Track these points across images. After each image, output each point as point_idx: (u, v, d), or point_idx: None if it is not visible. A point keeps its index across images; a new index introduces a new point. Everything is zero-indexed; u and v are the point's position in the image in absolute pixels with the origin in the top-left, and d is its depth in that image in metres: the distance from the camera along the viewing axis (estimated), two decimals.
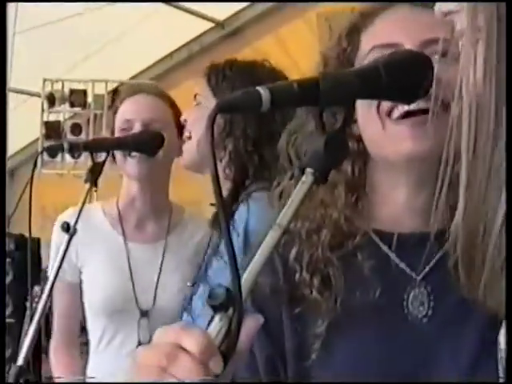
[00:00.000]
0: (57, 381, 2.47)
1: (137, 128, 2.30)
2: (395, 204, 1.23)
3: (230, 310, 0.85)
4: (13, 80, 6.83)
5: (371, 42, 1.22)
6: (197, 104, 2.11)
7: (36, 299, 4.99)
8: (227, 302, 0.85)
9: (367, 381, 1.17)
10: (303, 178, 0.95)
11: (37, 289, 4.37)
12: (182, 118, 2.13)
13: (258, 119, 1.98)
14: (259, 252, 0.90)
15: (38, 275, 5.68)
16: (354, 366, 1.19)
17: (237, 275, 0.85)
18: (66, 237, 1.96)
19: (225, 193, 1.97)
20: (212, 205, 1.99)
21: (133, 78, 7.43)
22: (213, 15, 6.51)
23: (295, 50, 5.88)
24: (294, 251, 1.23)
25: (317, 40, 5.64)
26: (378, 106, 1.17)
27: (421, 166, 1.18)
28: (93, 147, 2.14)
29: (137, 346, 2.24)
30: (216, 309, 0.86)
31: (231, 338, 0.86)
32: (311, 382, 1.21)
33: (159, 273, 2.34)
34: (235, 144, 2.02)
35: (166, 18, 6.46)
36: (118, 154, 2.33)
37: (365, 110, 1.19)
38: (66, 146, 2.09)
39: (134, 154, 2.29)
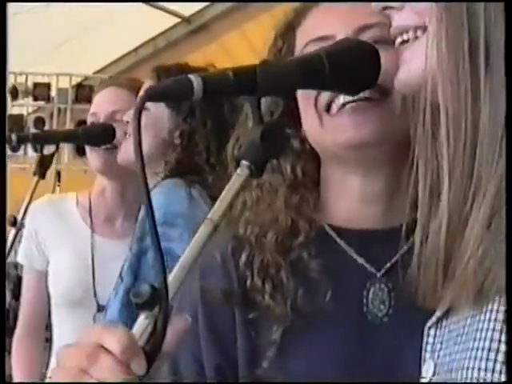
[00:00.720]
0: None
1: (101, 121, 2.27)
2: (350, 198, 1.19)
3: (156, 309, 0.81)
4: None
5: (305, 38, 1.19)
6: (144, 108, 2.07)
7: None
8: (152, 300, 0.80)
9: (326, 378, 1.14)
10: (238, 171, 0.90)
11: None
12: (125, 118, 2.08)
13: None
14: (189, 247, 0.86)
15: None
16: (312, 370, 1.15)
17: (163, 272, 0.80)
18: (12, 231, 1.92)
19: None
20: None
21: (97, 72, 7.37)
22: (179, 10, 6.46)
23: (261, 45, 5.85)
24: (244, 256, 1.19)
25: None
26: (316, 102, 1.12)
27: (367, 155, 1.14)
28: (42, 139, 2.09)
29: None
30: (141, 307, 0.81)
31: (156, 338, 0.81)
32: (311, 382, 1.17)
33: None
34: (182, 141, 2.00)
35: (132, 13, 6.40)
36: (86, 148, 2.30)
37: (304, 104, 1.15)
38: (13, 137, 2.04)
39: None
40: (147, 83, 2.09)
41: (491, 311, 0.83)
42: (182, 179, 1.93)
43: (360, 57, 1.00)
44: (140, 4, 6.33)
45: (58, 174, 5.74)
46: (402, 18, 0.94)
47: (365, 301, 1.17)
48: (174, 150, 2.01)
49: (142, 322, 0.82)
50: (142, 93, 0.83)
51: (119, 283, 1.91)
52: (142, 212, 1.87)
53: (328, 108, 1.12)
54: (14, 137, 2.03)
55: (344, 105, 1.10)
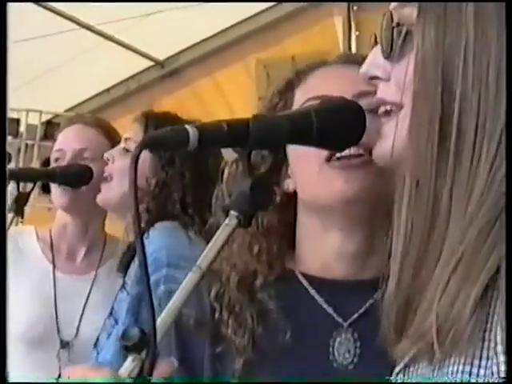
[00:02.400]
0: None
1: (68, 158, 2.28)
2: (327, 249, 1.23)
3: (144, 352, 0.83)
4: None
5: (305, 96, 1.24)
6: (126, 150, 2.08)
7: None
8: (141, 344, 0.82)
9: None
10: (227, 221, 0.93)
11: None
12: (105, 156, 2.10)
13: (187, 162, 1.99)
14: (177, 293, 0.88)
15: None
16: None
17: (152, 316, 0.82)
18: None
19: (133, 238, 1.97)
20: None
21: (68, 110, 7.36)
22: (153, 54, 6.51)
23: (232, 93, 5.90)
24: (214, 291, 1.23)
25: (254, 86, 5.68)
26: (319, 152, 1.17)
27: (352, 211, 1.18)
28: (20, 176, 2.10)
29: (57, 379, 2.18)
30: (129, 349, 0.83)
31: (142, 380, 0.83)
32: (312, 382, 1.19)
33: (84, 305, 2.29)
34: (160, 189, 2.02)
35: (106, 53, 6.44)
36: (51, 184, 2.30)
37: (302, 154, 1.19)
38: None
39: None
40: (134, 125, 2.11)
41: (462, 354, 0.85)
42: (176, 222, 1.95)
43: (347, 115, 1.04)
44: (114, 44, 6.37)
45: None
46: (384, 90, 0.99)
47: (331, 349, 1.20)
48: (150, 197, 2.03)
49: (129, 364, 0.84)
50: (140, 140, 0.85)
51: (112, 325, 1.91)
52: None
53: (329, 159, 1.16)
54: None
55: (339, 159, 1.14)
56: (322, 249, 1.24)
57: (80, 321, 2.26)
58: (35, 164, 6.93)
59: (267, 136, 0.94)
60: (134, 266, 1.92)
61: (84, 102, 7.45)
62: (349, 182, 1.15)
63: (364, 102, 1.16)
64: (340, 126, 1.03)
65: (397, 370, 0.97)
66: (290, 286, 1.24)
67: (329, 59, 1.29)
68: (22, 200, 2.02)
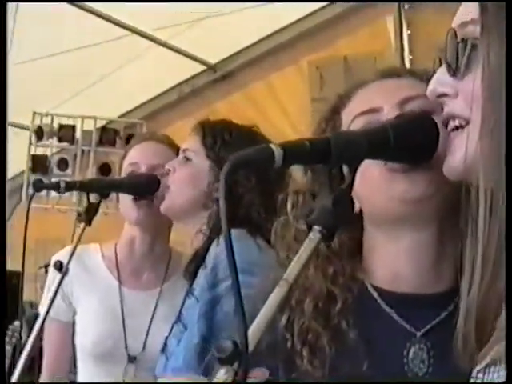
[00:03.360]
0: None
1: (142, 171, 2.32)
2: (396, 260, 1.23)
3: (236, 364, 0.86)
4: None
5: (351, 115, 1.25)
6: (186, 159, 2.12)
7: (16, 334, 4.94)
8: (233, 356, 0.85)
9: None
10: (310, 235, 0.96)
11: (16, 323, 4.34)
12: (166, 168, 2.13)
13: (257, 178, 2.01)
14: (266, 306, 0.91)
15: (17, 310, 5.63)
16: None
17: (244, 328, 0.85)
18: (58, 276, 1.96)
19: (203, 239, 2.00)
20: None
21: (122, 116, 7.46)
22: (205, 58, 6.56)
23: (285, 95, 5.93)
24: (284, 319, 1.22)
25: (307, 87, 5.69)
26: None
27: (417, 213, 1.18)
28: (88, 188, 2.15)
29: None
30: (222, 361, 0.86)
31: None
32: (312, 382, 1.20)
33: (151, 320, 2.33)
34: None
35: (158, 58, 6.51)
36: (121, 198, 2.34)
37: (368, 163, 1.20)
38: (62, 184, 2.10)
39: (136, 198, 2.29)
40: (192, 135, 2.15)
41: None
42: (243, 229, 1.97)
43: (421, 128, 1.06)
44: (166, 50, 6.44)
45: (79, 215, 5.78)
46: (453, 106, 1.02)
47: (405, 360, 1.20)
48: (213, 204, 2.05)
49: (222, 376, 0.87)
50: (228, 162, 0.89)
51: (181, 331, 1.94)
52: (212, 261, 1.90)
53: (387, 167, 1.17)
54: (62, 184, 2.09)
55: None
56: (392, 260, 1.24)
57: (147, 336, 2.31)
58: (91, 169, 7.02)
59: (348, 152, 0.97)
60: (204, 272, 1.94)
61: (138, 107, 7.55)
62: (410, 183, 1.16)
63: (410, 107, 1.18)
64: (415, 140, 1.05)
65: (478, 368, 0.99)
66: (361, 300, 1.25)
67: (366, 79, 1.30)
68: (91, 210, 2.07)
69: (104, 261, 2.44)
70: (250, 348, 0.86)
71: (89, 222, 2.06)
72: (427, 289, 1.21)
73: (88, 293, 2.38)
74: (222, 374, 0.87)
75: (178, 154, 2.29)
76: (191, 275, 2.05)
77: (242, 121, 2.17)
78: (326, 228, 0.96)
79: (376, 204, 1.22)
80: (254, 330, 0.89)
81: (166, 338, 2.07)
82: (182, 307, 2.06)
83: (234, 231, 2.01)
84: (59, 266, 1.95)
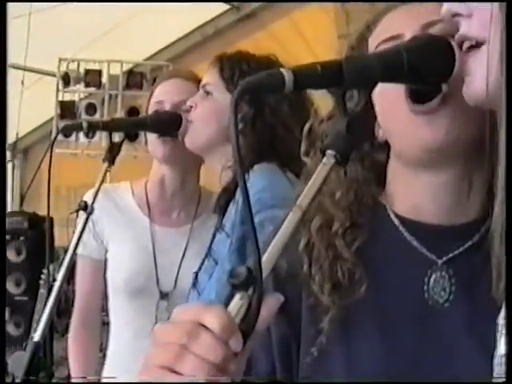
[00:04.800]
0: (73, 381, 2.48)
1: (167, 109, 2.31)
2: (418, 194, 1.21)
3: (251, 289, 0.86)
4: (28, 59, 6.85)
5: (375, 42, 1.23)
6: (207, 93, 2.11)
7: (50, 278, 5.01)
8: (248, 282, 0.85)
9: (386, 367, 1.16)
10: (324, 160, 0.95)
11: (51, 268, 4.38)
12: (188, 104, 2.12)
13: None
14: (279, 233, 0.91)
15: (52, 254, 5.71)
16: (366, 356, 1.17)
17: (258, 255, 0.85)
18: (84, 215, 1.97)
19: (231, 174, 1.99)
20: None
21: (147, 59, 7.43)
22: None
23: (310, 33, 5.86)
24: (303, 242, 1.22)
25: (333, 24, 5.62)
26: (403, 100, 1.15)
27: (439, 156, 1.17)
28: (111, 127, 2.15)
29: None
30: (236, 287, 0.86)
31: (251, 316, 0.86)
32: (313, 382, 1.20)
33: (182, 257, 2.35)
34: (248, 125, 2.03)
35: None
36: (148, 136, 2.34)
37: (389, 101, 1.18)
38: (84, 125, 2.09)
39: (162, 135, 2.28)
40: (210, 70, 2.13)
41: None
42: (273, 163, 1.96)
43: (436, 50, 1.04)
44: None
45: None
46: (468, 26, 0.99)
47: (425, 287, 1.19)
48: (241, 138, 2.03)
49: (238, 302, 0.87)
50: (238, 87, 0.88)
51: (212, 266, 1.94)
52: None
53: (412, 105, 1.15)
54: (85, 124, 2.08)
55: (418, 103, 1.13)
56: (413, 191, 1.22)
57: (178, 273, 2.33)
58: (120, 113, 7.03)
59: (360, 75, 0.96)
60: (235, 207, 1.94)
61: (163, 49, 7.51)
62: (431, 128, 1.14)
63: (432, 31, 1.15)
64: (430, 61, 1.03)
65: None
66: (383, 227, 1.24)
67: (391, 5, 1.28)
68: (114, 150, 2.07)
69: (134, 199, 2.45)
70: (264, 274, 0.86)
71: (112, 162, 2.06)
72: (451, 221, 1.19)
73: (119, 231, 2.40)
74: (236, 299, 0.87)
75: None
76: (221, 210, 2.04)
77: (260, 54, 2.15)
78: (340, 153, 0.95)
79: (399, 146, 1.21)
80: (268, 256, 0.89)
81: (196, 273, 2.07)
82: (211, 242, 2.06)
83: (264, 166, 2.01)
84: (84, 206, 1.96)
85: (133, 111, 7.18)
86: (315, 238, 1.21)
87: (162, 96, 2.35)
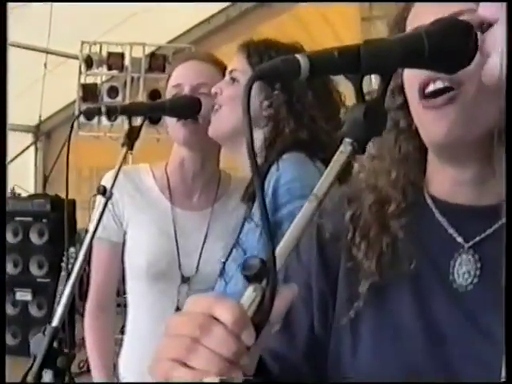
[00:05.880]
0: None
1: (185, 92, 2.28)
2: (445, 178, 1.22)
3: (264, 281, 0.84)
4: (51, 42, 6.86)
5: (409, 27, 1.22)
6: (233, 80, 2.08)
7: (71, 260, 5.03)
8: (261, 273, 0.83)
9: (404, 345, 1.17)
10: (341, 148, 0.92)
11: (72, 250, 4.40)
12: (213, 90, 2.10)
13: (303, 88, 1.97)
14: (294, 223, 0.89)
15: (74, 236, 5.72)
16: (393, 327, 1.19)
17: (271, 246, 0.83)
18: (102, 200, 1.96)
19: (260, 161, 1.97)
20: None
21: (170, 42, 7.41)
22: None
23: (334, 15, 5.83)
24: (350, 211, 1.25)
25: (356, 7, 5.60)
26: (416, 89, 1.16)
27: (453, 149, 1.17)
28: (130, 111, 2.12)
29: (175, 312, 2.25)
30: (250, 279, 0.84)
31: (264, 309, 0.84)
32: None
33: (204, 240, 2.33)
34: (277, 112, 2.01)
35: None
36: (168, 119, 2.31)
37: (407, 90, 1.19)
38: (103, 109, 2.07)
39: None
40: (237, 56, 2.10)
41: None
42: (303, 153, 1.94)
43: (458, 35, 1.01)
44: None
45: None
46: (484, 9, 0.97)
47: (451, 270, 1.20)
48: (266, 123, 2.01)
49: (251, 294, 0.85)
50: (252, 73, 0.85)
51: (241, 256, 1.93)
52: (272, 186, 1.88)
53: (421, 97, 1.15)
54: (103, 108, 2.07)
55: (427, 97, 1.13)
56: (442, 177, 1.23)
57: (200, 256, 2.31)
58: (142, 96, 7.03)
59: (379, 60, 0.93)
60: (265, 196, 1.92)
61: (185, 32, 7.50)
62: (437, 124, 1.14)
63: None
64: (451, 46, 1.00)
65: None
66: (419, 211, 1.24)
67: None
68: (133, 134, 2.05)
69: (155, 181, 2.43)
70: (278, 265, 0.84)
71: (131, 146, 2.04)
72: (482, 201, 1.19)
73: (140, 213, 2.37)
74: (250, 291, 0.85)
75: (222, 71, 2.24)
76: (250, 198, 2.02)
77: (288, 41, 2.13)
78: (357, 140, 0.92)
79: (420, 132, 1.21)
80: (283, 246, 0.87)
81: (224, 262, 2.06)
82: (240, 232, 2.04)
83: (293, 155, 1.99)
84: (103, 191, 1.94)
85: (155, 94, 7.18)
86: (366, 213, 1.25)
87: (180, 79, 2.32)
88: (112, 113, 2.08)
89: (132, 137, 2.03)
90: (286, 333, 1.21)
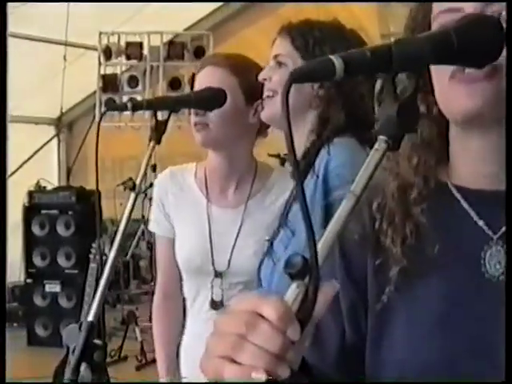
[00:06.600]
0: None
1: None
2: (470, 159, 1.22)
3: (307, 278, 0.86)
4: (69, 35, 6.89)
5: (437, 9, 1.22)
6: (279, 64, 2.09)
7: (99, 252, 5.07)
8: (304, 270, 0.86)
9: (438, 324, 1.18)
10: (376, 146, 0.94)
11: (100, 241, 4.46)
12: (261, 77, 2.10)
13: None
14: (334, 220, 0.91)
15: (100, 229, 5.77)
16: (425, 309, 1.19)
17: (313, 244, 0.85)
18: (132, 195, 1.98)
19: (308, 145, 1.98)
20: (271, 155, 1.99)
21: (187, 29, 7.43)
22: None
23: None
24: (376, 202, 1.24)
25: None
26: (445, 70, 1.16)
27: (482, 121, 1.16)
28: (156, 105, 2.14)
29: (209, 302, 2.31)
30: (293, 276, 0.87)
31: (308, 305, 0.87)
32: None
33: (236, 236, 2.38)
34: (328, 98, 2.01)
35: None
36: (191, 121, 2.36)
37: (435, 72, 1.18)
38: (129, 105, 2.09)
39: (197, 120, 2.30)
40: (279, 40, 2.10)
41: None
42: (353, 138, 1.95)
43: (486, 31, 1.03)
44: None
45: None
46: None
47: (482, 261, 1.20)
48: (320, 103, 2.02)
49: (294, 291, 0.87)
50: (288, 75, 0.88)
51: (288, 237, 1.93)
52: (323, 170, 1.88)
53: (454, 75, 1.15)
54: (129, 104, 2.09)
55: (458, 73, 1.13)
56: (466, 156, 1.23)
57: (232, 252, 2.36)
58: (161, 84, 7.07)
59: (410, 59, 0.95)
60: (314, 180, 1.93)
61: (202, 18, 7.51)
62: (471, 97, 1.14)
63: (493, 8, 1.14)
64: (480, 42, 1.01)
65: None
66: (444, 199, 1.23)
67: None
68: (160, 128, 2.07)
69: (196, 181, 2.49)
70: (320, 261, 0.86)
71: (158, 141, 2.06)
72: (503, 185, 1.20)
73: (182, 212, 2.44)
74: (293, 288, 0.87)
75: (235, 74, 2.27)
76: (300, 178, 2.02)
77: (327, 20, 2.13)
78: (392, 138, 0.94)
79: (446, 111, 1.21)
80: (323, 243, 0.89)
81: (272, 242, 2.07)
82: (287, 213, 2.06)
83: (344, 140, 2.00)
84: (132, 186, 1.97)
85: (174, 81, 7.22)
86: (389, 201, 1.24)
87: (196, 87, 2.37)
88: (138, 108, 2.10)
89: (159, 131, 2.05)
90: (316, 349, 1.21)
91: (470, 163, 1.22)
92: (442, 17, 1.18)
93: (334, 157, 1.90)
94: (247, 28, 6.95)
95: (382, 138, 0.95)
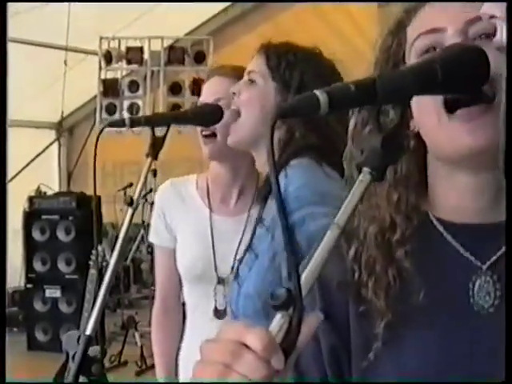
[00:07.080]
0: None
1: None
2: (458, 193, 1.20)
3: (291, 309, 0.88)
4: (70, 39, 6.91)
5: (416, 31, 1.20)
6: (251, 81, 2.11)
7: (99, 259, 5.09)
8: (288, 302, 0.87)
9: (432, 372, 1.15)
10: (360, 177, 0.95)
11: (99, 248, 4.47)
12: (231, 91, 2.13)
13: None
14: (318, 252, 0.92)
15: (100, 232, 5.79)
16: (417, 362, 1.17)
17: (296, 275, 0.87)
18: (129, 210, 2.00)
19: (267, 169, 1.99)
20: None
21: (188, 34, 7.45)
22: None
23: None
24: (352, 250, 1.21)
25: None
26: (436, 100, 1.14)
27: (481, 159, 1.15)
28: (153, 122, 2.16)
29: (213, 311, 2.34)
30: (277, 308, 0.89)
31: (292, 334, 0.89)
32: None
33: (238, 244, 2.41)
34: (290, 122, 2.03)
35: None
36: (199, 135, 2.38)
37: (421, 103, 1.17)
38: (127, 121, 2.10)
39: (204, 133, 2.33)
40: (256, 58, 2.12)
41: None
42: (310, 158, 1.96)
43: (469, 60, 1.04)
44: None
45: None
46: (505, 29, 0.99)
47: (470, 293, 1.18)
48: (281, 125, 2.03)
49: (279, 321, 0.89)
50: (274, 111, 0.89)
51: (252, 260, 1.96)
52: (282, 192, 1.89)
53: (447, 110, 1.13)
54: (127, 121, 2.10)
55: (457, 108, 1.12)
56: (453, 190, 1.22)
57: (234, 259, 2.39)
58: (162, 89, 7.08)
59: (395, 92, 0.96)
60: (273, 203, 1.94)
61: (203, 23, 7.52)
62: (473, 135, 1.13)
63: (476, 28, 1.14)
64: (464, 72, 1.03)
65: None
66: (426, 235, 1.21)
67: None
68: (157, 145, 2.09)
69: (198, 191, 2.52)
70: (304, 292, 0.88)
71: (155, 157, 2.08)
72: (491, 219, 1.19)
73: (184, 221, 2.48)
74: (277, 319, 0.89)
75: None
76: (262, 201, 2.06)
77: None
78: (376, 169, 0.96)
79: (436, 146, 1.19)
80: (307, 275, 0.91)
81: (238, 266, 2.10)
82: (252, 236, 2.08)
83: (301, 161, 2.02)
84: (130, 201, 1.99)
85: (175, 86, 7.23)
86: (369, 245, 1.21)
87: (203, 98, 2.40)
88: (135, 124, 2.12)
89: (156, 147, 2.07)
90: None
91: (456, 198, 1.19)
92: (423, 38, 1.18)
93: (292, 179, 1.90)
94: (247, 33, 6.96)
95: (366, 169, 0.96)
